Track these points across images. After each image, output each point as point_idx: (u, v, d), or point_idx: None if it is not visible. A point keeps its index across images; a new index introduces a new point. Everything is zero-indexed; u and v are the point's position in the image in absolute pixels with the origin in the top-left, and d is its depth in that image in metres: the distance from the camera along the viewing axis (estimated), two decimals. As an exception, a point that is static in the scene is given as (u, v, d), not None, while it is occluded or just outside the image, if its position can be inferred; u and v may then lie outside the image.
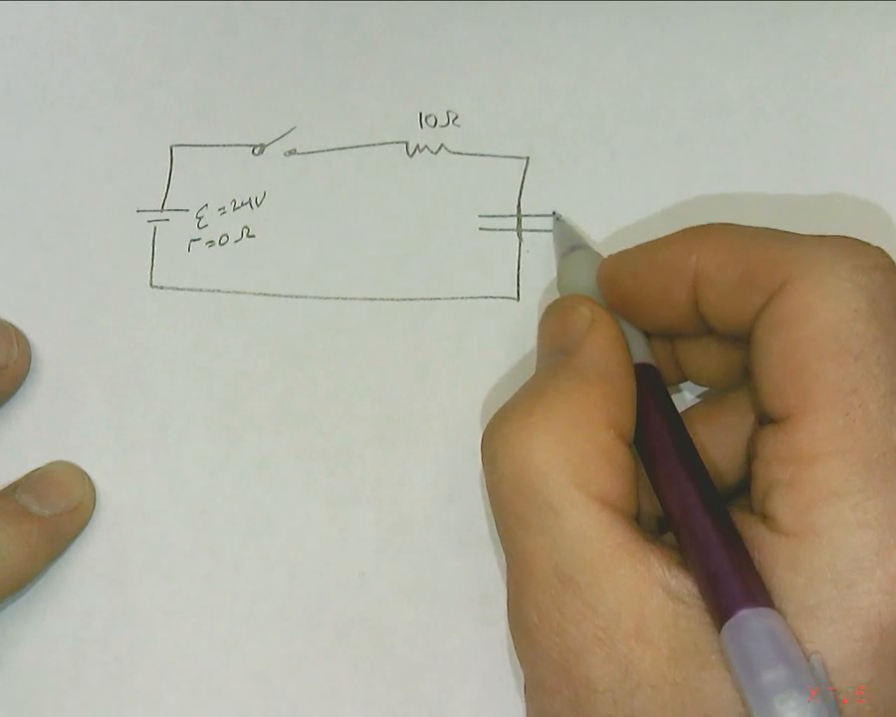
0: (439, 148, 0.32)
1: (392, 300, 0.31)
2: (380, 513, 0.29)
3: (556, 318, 0.26)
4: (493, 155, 0.32)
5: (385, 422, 0.30)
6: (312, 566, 0.29)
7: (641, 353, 0.25)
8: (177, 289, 0.32)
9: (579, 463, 0.22)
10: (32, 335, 0.32)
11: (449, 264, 0.31)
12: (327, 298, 0.31)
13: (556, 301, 0.27)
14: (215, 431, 0.30)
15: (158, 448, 0.30)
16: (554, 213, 0.30)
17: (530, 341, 0.30)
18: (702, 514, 0.22)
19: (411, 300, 0.31)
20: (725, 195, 0.30)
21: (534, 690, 0.23)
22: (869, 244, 0.23)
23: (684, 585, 0.21)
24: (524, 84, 0.32)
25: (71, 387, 0.31)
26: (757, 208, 0.30)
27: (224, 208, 0.32)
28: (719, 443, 0.25)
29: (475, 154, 0.32)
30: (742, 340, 0.23)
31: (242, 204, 0.32)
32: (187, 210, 0.33)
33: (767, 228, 0.23)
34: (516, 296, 0.30)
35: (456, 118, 0.32)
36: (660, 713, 0.20)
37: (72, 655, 0.29)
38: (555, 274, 0.30)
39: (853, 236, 0.23)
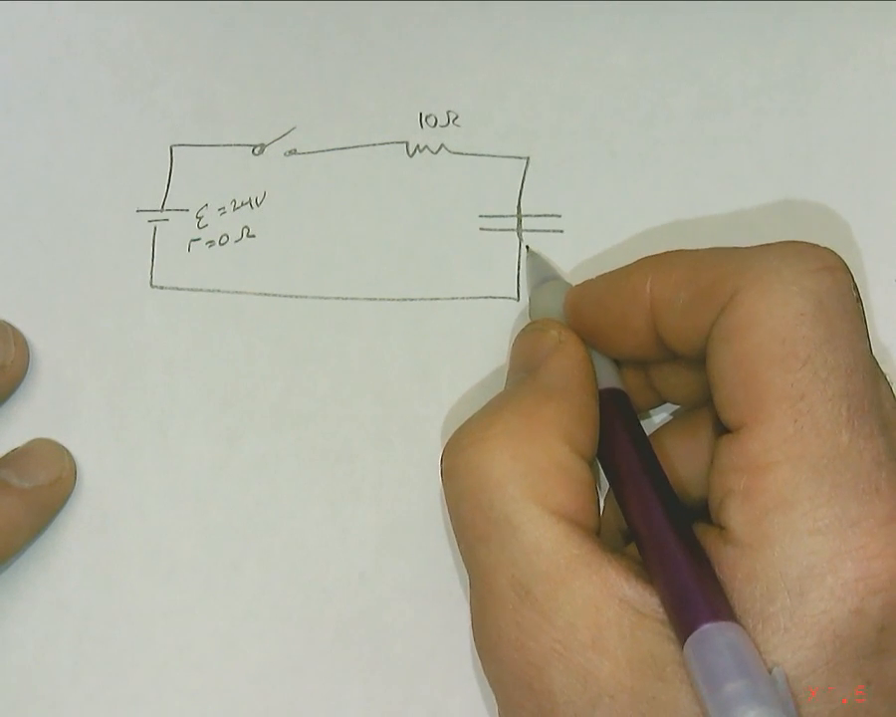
0: (439, 148, 0.32)
1: (392, 300, 0.31)
2: (380, 513, 0.29)
3: (526, 339, 0.27)
4: (493, 155, 0.32)
5: (385, 422, 0.30)
6: (312, 566, 0.29)
7: (609, 378, 0.26)
8: (177, 289, 0.32)
9: (535, 477, 0.22)
10: (32, 335, 0.32)
11: (449, 264, 0.31)
12: (327, 298, 0.31)
13: (528, 324, 0.27)
14: (215, 431, 0.30)
15: (158, 448, 0.30)
16: (526, 247, 0.30)
17: (530, 341, 0.30)
18: (666, 530, 0.22)
19: (411, 300, 0.31)
20: (725, 195, 0.30)
21: (502, 708, 0.23)
22: (818, 246, 0.22)
23: (642, 596, 0.21)
24: (524, 84, 0.32)
25: (71, 387, 0.31)
26: (756, 208, 0.30)
27: (224, 208, 0.32)
28: (686, 458, 0.25)
29: (475, 154, 0.32)
30: (703, 360, 0.23)
31: (242, 204, 0.32)
32: (187, 210, 0.33)
33: (719, 247, 0.24)
34: (516, 296, 0.30)
35: (456, 117, 0.32)
36: None
37: (72, 655, 0.29)
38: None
39: (808, 240, 0.23)
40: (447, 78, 0.32)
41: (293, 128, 0.33)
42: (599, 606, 0.21)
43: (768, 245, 0.23)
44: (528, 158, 0.31)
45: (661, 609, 0.21)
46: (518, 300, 0.30)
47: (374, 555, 0.29)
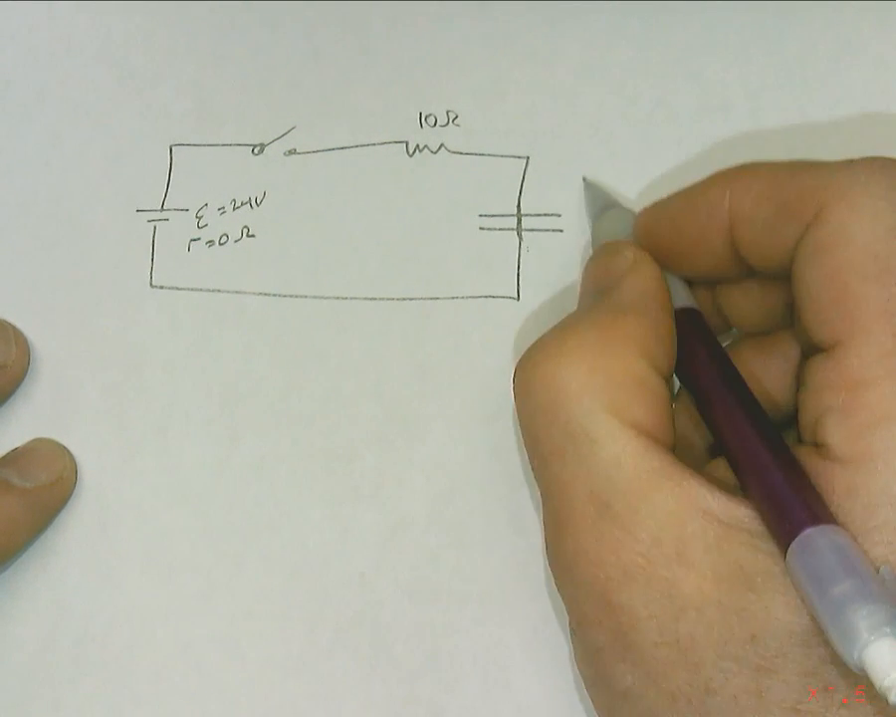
0: (439, 148, 0.32)
1: (392, 300, 0.31)
2: (380, 513, 0.29)
3: (599, 261, 0.26)
4: (493, 155, 0.32)
5: (385, 422, 0.30)
6: (312, 566, 0.29)
7: (684, 298, 0.25)
8: (177, 289, 0.32)
9: (613, 391, 0.22)
10: (32, 334, 0.32)
11: (449, 264, 0.31)
12: (326, 298, 0.31)
13: (600, 246, 0.27)
14: (215, 431, 0.30)
15: (158, 448, 0.30)
16: (583, 178, 0.30)
17: (530, 340, 0.29)
18: (760, 441, 0.22)
19: (411, 300, 0.31)
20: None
21: (577, 626, 0.23)
22: None
23: (727, 507, 0.21)
24: (524, 84, 0.32)
25: (71, 387, 0.31)
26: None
27: (224, 208, 0.32)
28: (762, 380, 0.25)
29: (475, 154, 0.32)
30: (782, 278, 0.23)
31: (242, 204, 0.32)
32: (187, 210, 0.33)
33: (798, 160, 0.23)
34: (516, 296, 0.30)
35: (456, 117, 0.32)
36: (705, 636, 0.20)
37: (72, 655, 0.29)
38: (555, 273, 0.30)
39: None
40: (447, 78, 0.32)
41: (293, 128, 0.33)
42: (683, 519, 0.21)
43: (851, 160, 0.22)
44: (528, 158, 0.31)
45: (747, 521, 0.21)
46: (518, 300, 0.30)
47: (374, 555, 0.29)
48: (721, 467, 0.23)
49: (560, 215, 0.31)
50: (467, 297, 0.30)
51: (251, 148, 0.33)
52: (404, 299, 0.31)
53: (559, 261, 0.30)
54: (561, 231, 0.30)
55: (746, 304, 0.26)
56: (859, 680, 0.19)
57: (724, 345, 0.25)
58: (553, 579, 0.23)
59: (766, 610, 0.20)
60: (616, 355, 0.23)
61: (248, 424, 0.30)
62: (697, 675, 0.20)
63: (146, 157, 0.33)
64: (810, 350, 0.22)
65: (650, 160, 0.31)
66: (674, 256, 0.25)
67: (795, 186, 0.22)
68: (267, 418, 0.30)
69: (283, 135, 0.33)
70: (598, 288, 0.25)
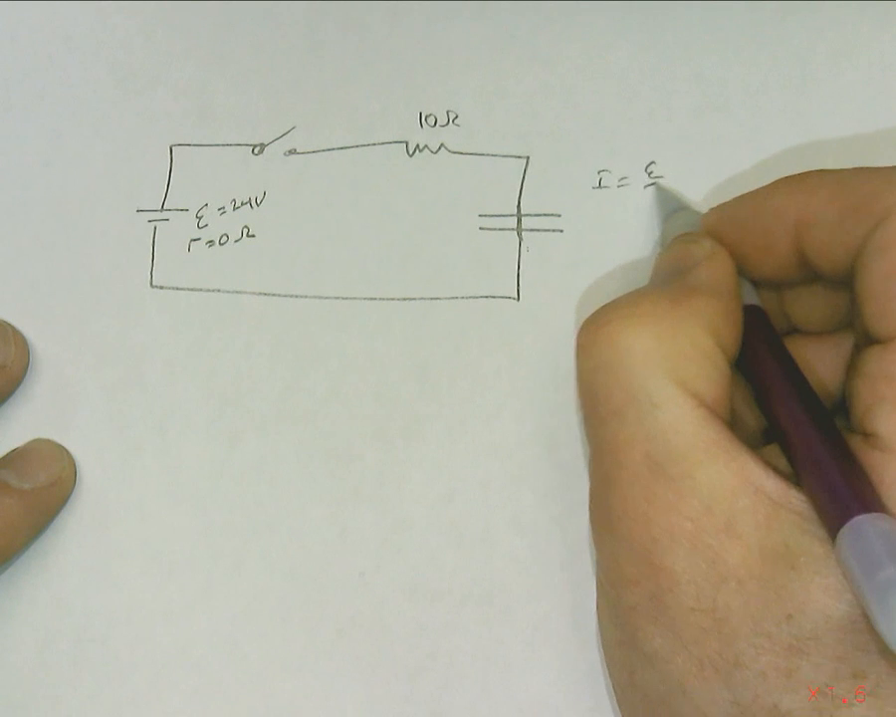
0: (439, 148, 0.32)
1: (392, 300, 0.31)
2: (380, 513, 0.29)
3: (676, 248, 0.27)
4: (493, 155, 0.32)
5: (385, 422, 0.30)
6: (312, 566, 0.29)
7: (750, 296, 0.26)
8: (177, 289, 0.32)
9: (679, 360, 0.23)
10: (32, 334, 0.32)
11: (449, 264, 0.31)
12: (327, 298, 0.31)
13: (678, 236, 0.27)
14: (215, 431, 0.30)
15: (158, 448, 0.30)
16: (655, 182, 0.30)
17: (530, 340, 0.30)
18: (815, 429, 0.22)
19: (411, 300, 0.31)
20: (725, 195, 0.30)
21: (610, 583, 0.23)
22: None
23: (779, 488, 0.21)
24: (524, 84, 0.32)
25: (71, 387, 0.31)
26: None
27: (224, 208, 0.32)
28: (813, 366, 0.26)
29: (475, 154, 0.32)
30: (846, 283, 0.24)
31: (242, 204, 0.32)
32: (187, 210, 0.33)
33: (863, 167, 0.24)
34: (516, 296, 0.30)
35: (456, 117, 0.32)
36: (742, 608, 0.21)
37: (72, 655, 0.29)
38: (555, 273, 0.30)
39: None
40: (447, 78, 0.32)
41: (292, 128, 0.33)
42: (735, 492, 0.21)
43: None
44: (528, 158, 0.31)
45: (798, 504, 0.21)
46: (518, 300, 0.30)
47: (374, 555, 0.29)
48: (772, 453, 0.23)
49: (559, 215, 0.31)
50: (467, 297, 0.30)
51: (251, 148, 0.33)
52: (404, 299, 0.31)
53: (559, 261, 0.30)
54: (561, 231, 0.30)
55: (812, 304, 0.26)
56: (891, 669, 0.19)
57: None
58: (592, 536, 0.24)
59: (805, 592, 0.20)
60: (686, 327, 0.23)
61: (248, 424, 0.30)
62: (728, 647, 0.21)
63: (146, 157, 0.33)
64: (867, 341, 0.23)
65: (650, 160, 0.31)
66: (739, 259, 0.26)
67: (863, 189, 0.23)
68: (267, 418, 0.30)
69: (283, 135, 0.33)
70: (673, 270, 0.26)
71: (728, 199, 0.26)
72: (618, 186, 0.31)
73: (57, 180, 0.34)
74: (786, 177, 0.25)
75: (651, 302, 0.24)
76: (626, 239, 0.30)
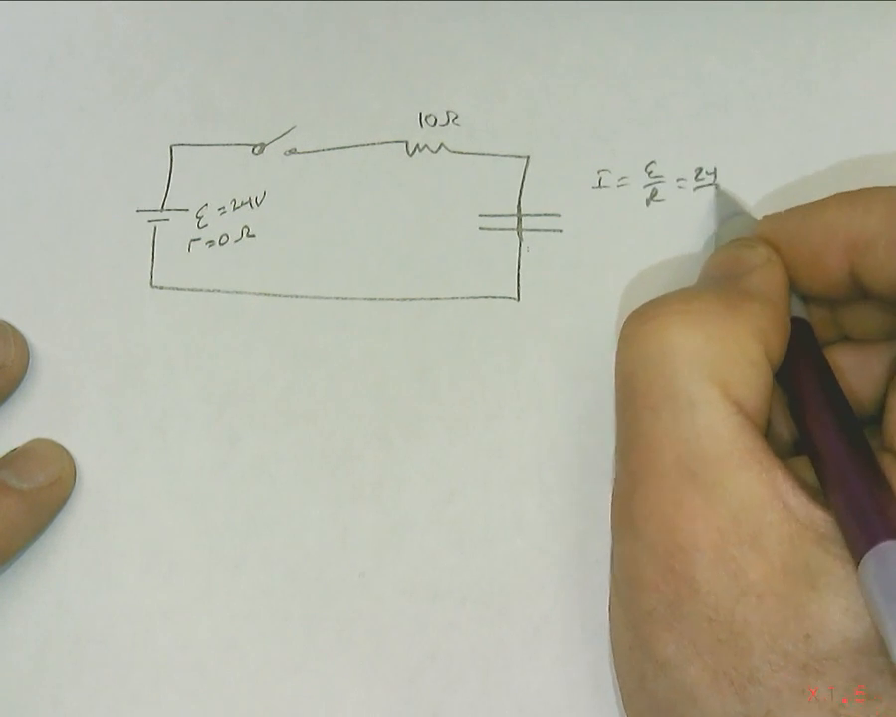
0: (439, 148, 0.32)
1: (392, 300, 0.31)
2: (380, 513, 0.29)
3: (729, 251, 0.26)
4: (493, 155, 0.32)
5: (385, 422, 0.30)
6: (312, 566, 0.29)
7: (797, 308, 0.26)
8: (177, 289, 0.32)
9: (725, 364, 0.22)
10: (32, 334, 0.32)
11: (449, 264, 0.31)
12: (326, 298, 0.31)
13: (732, 239, 0.27)
14: (215, 431, 0.30)
15: (158, 448, 0.30)
16: (715, 186, 0.30)
17: (530, 340, 0.30)
18: (848, 450, 0.22)
19: (411, 300, 0.31)
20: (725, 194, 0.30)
21: (627, 583, 0.23)
22: None
23: (806, 507, 0.21)
24: (524, 84, 0.32)
25: (71, 387, 0.31)
26: (756, 209, 0.30)
27: (224, 208, 0.32)
28: (852, 378, 0.26)
29: (475, 154, 0.32)
30: None
31: (242, 204, 0.32)
32: (187, 210, 0.33)
33: None
34: (516, 296, 0.30)
35: (456, 117, 0.32)
36: (761, 624, 0.20)
37: (72, 655, 0.29)
38: (555, 273, 0.30)
39: None
40: (447, 78, 0.32)
41: (292, 128, 0.33)
42: (764, 505, 0.21)
43: None
44: (528, 158, 0.31)
45: (824, 524, 0.21)
46: (518, 300, 0.30)
47: (374, 555, 0.29)
48: (802, 465, 0.23)
49: (559, 215, 0.31)
50: (467, 297, 0.30)
51: (251, 148, 0.33)
52: (404, 299, 0.31)
53: (559, 261, 0.30)
54: (561, 231, 0.30)
55: (865, 318, 0.26)
56: None
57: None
58: (613, 532, 0.23)
59: (825, 612, 0.20)
60: (736, 331, 0.23)
61: (248, 424, 0.30)
62: (743, 661, 0.20)
63: (146, 158, 0.33)
64: None
65: (650, 161, 0.31)
66: (790, 270, 0.25)
67: None
68: (267, 418, 0.30)
69: (283, 135, 0.33)
70: (725, 273, 0.25)
71: (784, 209, 0.26)
72: (618, 186, 0.31)
73: (57, 180, 0.34)
74: (840, 194, 0.24)
75: (704, 301, 0.23)
76: (626, 239, 0.30)
